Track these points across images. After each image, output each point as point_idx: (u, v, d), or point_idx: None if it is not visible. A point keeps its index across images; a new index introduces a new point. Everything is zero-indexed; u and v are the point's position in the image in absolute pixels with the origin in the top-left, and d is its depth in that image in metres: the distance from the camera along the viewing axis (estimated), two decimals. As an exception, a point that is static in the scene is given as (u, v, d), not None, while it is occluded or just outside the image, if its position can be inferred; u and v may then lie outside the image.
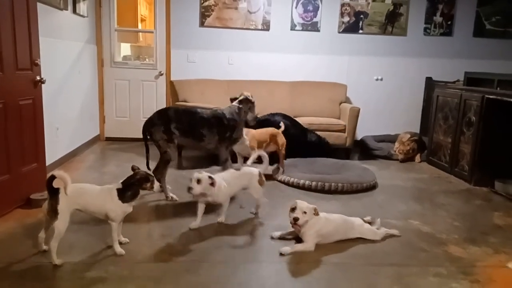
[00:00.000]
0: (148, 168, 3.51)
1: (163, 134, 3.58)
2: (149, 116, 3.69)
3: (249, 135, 4.26)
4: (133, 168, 2.69)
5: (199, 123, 3.66)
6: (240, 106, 3.85)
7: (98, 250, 2.68)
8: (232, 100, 4.00)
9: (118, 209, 2.58)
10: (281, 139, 4.49)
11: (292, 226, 2.86)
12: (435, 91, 5.39)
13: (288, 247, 2.77)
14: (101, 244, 2.76)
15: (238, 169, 3.32)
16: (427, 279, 2.53)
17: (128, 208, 2.63)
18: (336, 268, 2.61)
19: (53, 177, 2.41)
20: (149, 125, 3.62)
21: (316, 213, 2.84)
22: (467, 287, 2.45)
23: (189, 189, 2.89)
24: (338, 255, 2.78)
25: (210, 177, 2.93)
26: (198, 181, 2.89)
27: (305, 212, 2.79)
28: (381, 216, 3.34)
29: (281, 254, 2.72)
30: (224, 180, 3.11)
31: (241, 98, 3.90)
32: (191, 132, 3.66)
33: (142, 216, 3.31)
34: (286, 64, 6.29)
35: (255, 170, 3.32)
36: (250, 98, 3.92)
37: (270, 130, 4.50)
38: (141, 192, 2.67)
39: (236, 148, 4.23)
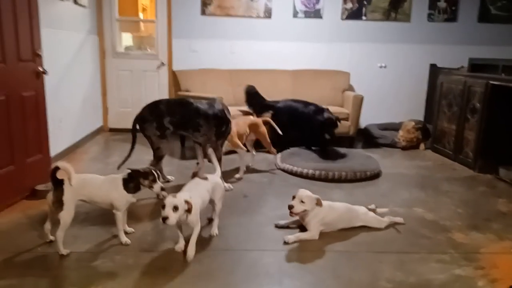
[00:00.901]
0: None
1: (156, 130, 3.45)
2: (139, 111, 3.53)
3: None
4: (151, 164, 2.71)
5: (194, 114, 3.52)
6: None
7: (103, 240, 2.71)
8: None
9: (122, 198, 2.60)
10: (263, 129, 4.33)
11: (290, 214, 2.86)
12: (439, 78, 5.35)
13: (292, 236, 2.79)
14: (106, 234, 2.78)
15: (205, 178, 2.79)
16: (430, 265, 2.54)
17: (131, 198, 2.65)
18: (339, 256, 2.63)
19: (57, 168, 2.43)
20: (141, 121, 3.46)
21: (319, 203, 2.84)
22: (471, 273, 2.46)
23: (164, 219, 2.30)
24: (342, 243, 2.79)
25: (186, 201, 2.37)
26: (175, 208, 2.32)
27: (303, 202, 2.81)
28: (385, 204, 3.36)
29: (285, 243, 2.74)
30: (196, 196, 2.52)
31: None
32: (185, 124, 3.54)
33: (147, 207, 3.33)
34: (289, 52, 6.25)
35: (218, 178, 2.91)
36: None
37: (249, 120, 4.33)
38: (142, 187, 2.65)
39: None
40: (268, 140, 4.36)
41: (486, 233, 3.01)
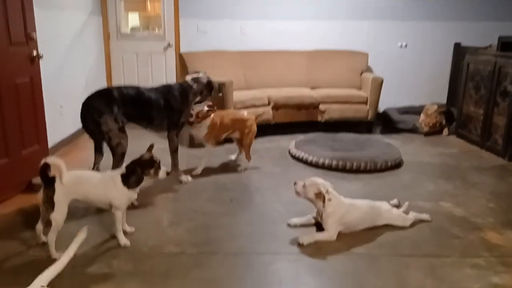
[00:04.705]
0: (96, 169, 3.07)
1: (115, 123, 2.94)
2: (87, 102, 2.93)
3: (209, 119, 3.55)
4: (149, 148, 2.52)
5: (147, 104, 3.13)
6: (192, 85, 3.37)
7: (101, 241, 2.49)
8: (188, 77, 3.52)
9: (123, 196, 2.40)
10: (252, 127, 3.74)
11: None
12: (465, 58, 4.96)
13: (308, 236, 2.53)
14: (104, 234, 2.56)
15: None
16: (464, 271, 2.27)
17: (133, 194, 2.46)
18: (361, 259, 2.37)
19: (47, 165, 2.20)
20: (95, 114, 2.89)
21: (318, 197, 2.56)
22: (510, 281, 2.18)
23: None
24: (364, 245, 2.52)
25: None
26: None
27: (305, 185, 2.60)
28: (408, 197, 3.07)
29: (299, 244, 2.48)
30: None
31: (194, 76, 3.46)
32: (138, 115, 3.13)
33: (150, 201, 3.09)
34: (303, 32, 5.88)
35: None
36: (205, 79, 3.44)
37: (238, 115, 3.80)
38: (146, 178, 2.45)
39: (192, 132, 3.68)
40: (251, 145, 3.78)
41: (524, 232, 2.71)
